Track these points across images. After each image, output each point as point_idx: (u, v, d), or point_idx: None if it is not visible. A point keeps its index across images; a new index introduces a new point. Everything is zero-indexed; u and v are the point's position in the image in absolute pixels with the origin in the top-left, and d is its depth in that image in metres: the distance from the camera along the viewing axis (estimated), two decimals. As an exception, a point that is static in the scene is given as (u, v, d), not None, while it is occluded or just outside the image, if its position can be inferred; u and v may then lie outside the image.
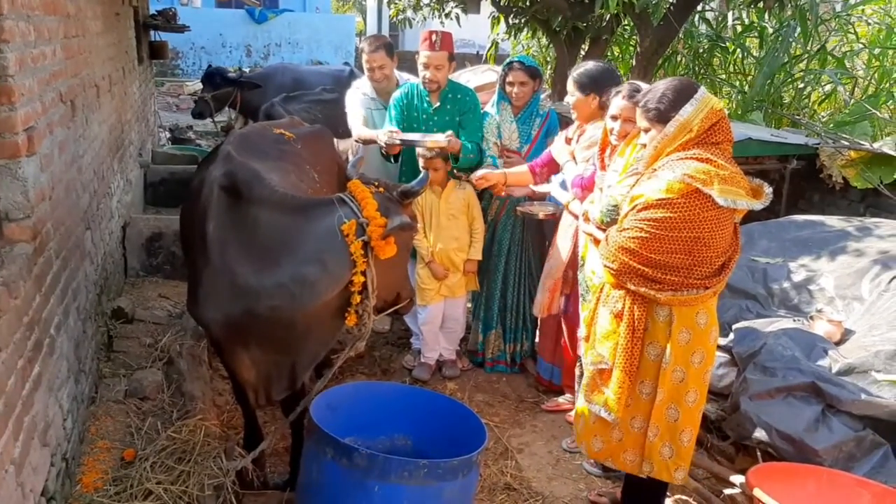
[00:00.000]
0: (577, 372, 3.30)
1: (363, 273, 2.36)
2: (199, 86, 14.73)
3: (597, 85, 3.25)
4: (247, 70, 7.89)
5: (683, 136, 2.31)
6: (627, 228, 2.36)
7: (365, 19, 27.79)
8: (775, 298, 3.67)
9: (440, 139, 3.45)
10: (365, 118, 4.02)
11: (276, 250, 2.33)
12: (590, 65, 3.37)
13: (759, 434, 2.77)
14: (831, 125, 5.38)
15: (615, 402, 2.45)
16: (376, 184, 2.56)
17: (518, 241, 3.85)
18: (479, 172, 3.49)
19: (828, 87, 7.21)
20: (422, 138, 3.52)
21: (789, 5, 5.52)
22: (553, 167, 3.54)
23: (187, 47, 17.35)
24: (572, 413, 3.42)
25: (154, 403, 3.22)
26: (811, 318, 3.42)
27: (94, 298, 3.49)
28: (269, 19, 18.35)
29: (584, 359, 3.01)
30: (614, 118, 2.88)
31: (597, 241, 2.86)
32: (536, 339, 3.99)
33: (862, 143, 4.63)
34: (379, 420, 2.74)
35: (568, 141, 3.46)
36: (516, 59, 3.77)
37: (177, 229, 4.78)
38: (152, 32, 7.63)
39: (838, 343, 3.21)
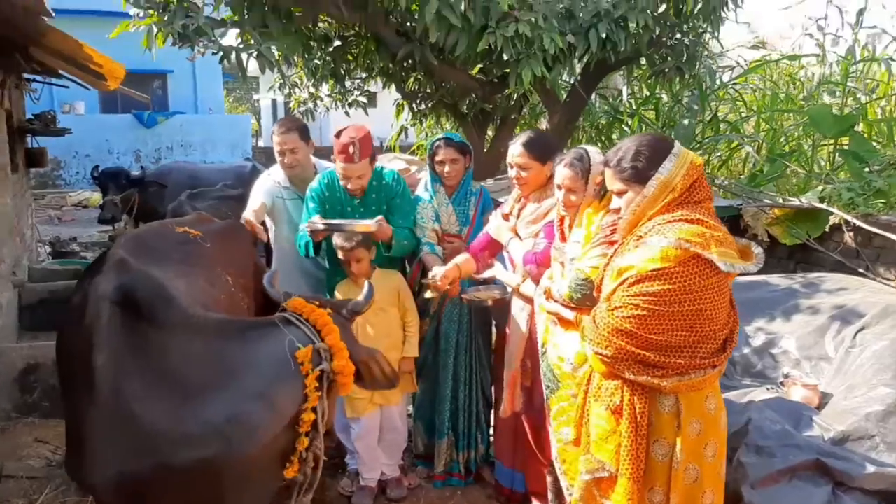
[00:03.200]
0: (549, 479, 2.87)
1: (313, 410, 1.91)
2: (86, 195, 13.94)
3: (552, 152, 3.01)
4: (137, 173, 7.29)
5: (666, 197, 2.07)
6: (620, 307, 2.04)
7: (259, 120, 27.63)
8: (737, 366, 3.45)
9: (369, 223, 3.07)
10: (270, 207, 3.59)
11: (202, 385, 1.86)
12: (533, 134, 3.13)
13: (771, 529, 2.43)
14: (747, 185, 5.44)
15: None
16: (318, 302, 2.17)
17: (466, 332, 3.46)
18: (437, 272, 3.07)
19: (720, 154, 7.50)
20: (348, 223, 3.13)
21: (688, 74, 5.66)
22: (494, 248, 3.23)
23: (70, 155, 16.40)
24: None
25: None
26: (782, 384, 3.20)
27: (-51, 458, 2.78)
28: (159, 122, 17.74)
29: (559, 465, 2.61)
30: (559, 188, 2.64)
31: (563, 321, 2.54)
32: (491, 441, 3.56)
33: (791, 199, 4.65)
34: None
35: (506, 217, 3.18)
36: (443, 136, 3.50)
37: (59, 356, 4.15)
38: (29, 138, 6.97)
39: (818, 408, 2.98)
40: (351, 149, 3.13)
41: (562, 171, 2.62)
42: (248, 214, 3.49)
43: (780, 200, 4.80)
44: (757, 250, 2.11)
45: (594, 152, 2.63)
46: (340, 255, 3.17)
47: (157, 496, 1.89)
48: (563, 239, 2.66)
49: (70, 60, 4.92)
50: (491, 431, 3.57)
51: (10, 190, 5.61)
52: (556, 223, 2.72)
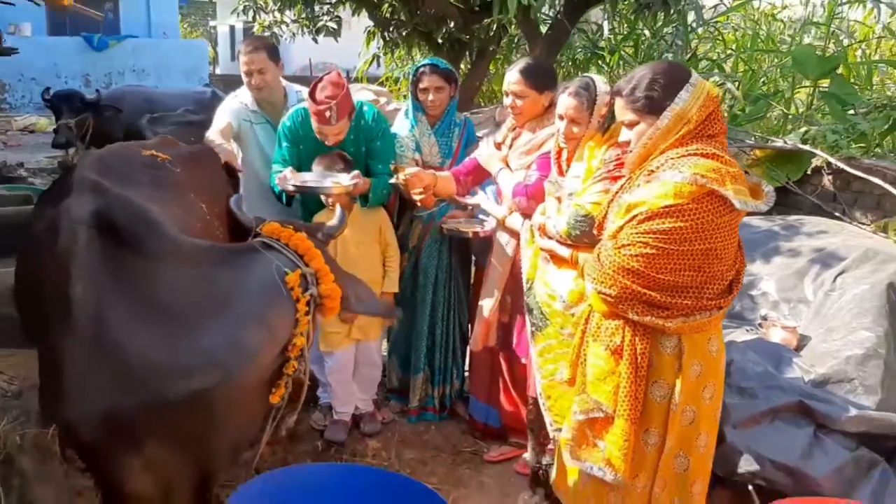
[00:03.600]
0: (528, 416, 2.82)
1: (302, 334, 1.88)
2: (32, 120, 13.23)
3: (551, 81, 2.85)
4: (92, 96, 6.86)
5: (680, 129, 1.93)
6: (627, 245, 1.92)
7: (215, 47, 26.46)
8: (719, 307, 3.42)
9: (346, 184, 2.86)
10: (237, 130, 3.37)
11: (195, 314, 1.76)
12: (531, 61, 2.93)
13: (751, 467, 2.42)
14: (728, 125, 5.37)
15: (620, 459, 1.99)
16: (293, 227, 2.07)
17: (445, 268, 3.34)
18: (411, 170, 2.93)
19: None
20: (322, 182, 2.90)
21: (673, 9, 5.49)
22: (479, 176, 3.08)
23: (15, 78, 15.49)
24: (524, 458, 2.96)
25: (-12, 522, 2.40)
26: (760, 325, 3.19)
27: None
28: (110, 46, 16.77)
29: (544, 401, 2.56)
30: (561, 118, 2.48)
31: (557, 258, 2.44)
32: (466, 377, 3.51)
33: (775, 140, 4.58)
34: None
35: (498, 146, 3.01)
36: (427, 62, 3.29)
37: (10, 284, 3.91)
38: (-30, 57, 6.48)
39: (797, 350, 2.98)
40: (328, 113, 2.87)
41: (565, 101, 2.45)
42: (213, 134, 3.28)
43: (762, 141, 4.74)
44: (767, 188, 2.01)
45: (600, 81, 2.47)
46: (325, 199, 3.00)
47: (144, 430, 1.78)
48: (561, 173, 2.53)
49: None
50: (466, 367, 3.51)
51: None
52: (553, 156, 2.57)
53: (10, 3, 6.61)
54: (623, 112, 2.03)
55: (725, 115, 6.48)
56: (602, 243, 2.06)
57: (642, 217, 1.89)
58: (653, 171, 1.94)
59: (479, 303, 3.04)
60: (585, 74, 2.61)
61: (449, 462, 3.16)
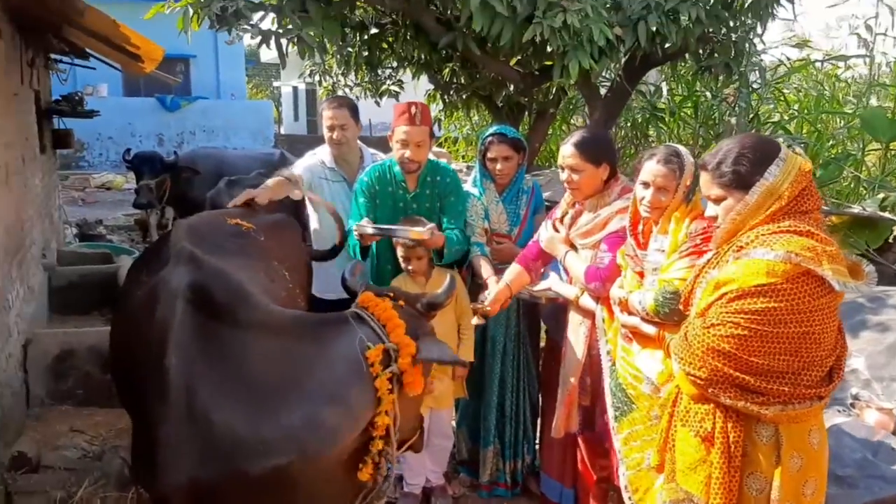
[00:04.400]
0: None
1: (387, 413, 1.82)
2: (109, 178, 13.89)
3: (608, 153, 2.80)
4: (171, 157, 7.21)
5: (771, 206, 1.88)
6: (717, 324, 1.86)
7: (279, 108, 27.50)
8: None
9: (422, 231, 2.89)
10: (309, 186, 3.45)
11: (278, 388, 1.75)
12: (586, 134, 2.88)
13: (858, 565, 2.28)
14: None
15: None
16: (391, 294, 2.04)
17: (513, 337, 3.31)
18: (490, 295, 2.90)
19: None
20: (401, 229, 2.96)
21: (735, 71, 5.46)
22: (546, 257, 3.02)
23: (93, 137, 16.36)
24: None
25: (71, 592, 2.43)
26: (852, 405, 3.04)
27: (-14, 451, 2.69)
28: (182, 107, 17.67)
29: (628, 494, 2.46)
30: (646, 185, 2.40)
31: (641, 337, 2.38)
32: (537, 450, 3.42)
33: (851, 207, 4.46)
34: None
35: (560, 221, 2.94)
36: (496, 131, 3.32)
37: (91, 344, 4.04)
38: (56, 119, 6.88)
39: (894, 434, 2.82)
40: (413, 109, 3.03)
41: (654, 168, 2.38)
42: (275, 182, 3.30)
43: (838, 208, 4.61)
44: (869, 268, 1.93)
45: (684, 151, 2.43)
46: (400, 252, 3.04)
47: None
48: (639, 244, 2.47)
49: (105, 41, 4.80)
50: (537, 441, 3.43)
51: (39, 171, 5.53)
52: (629, 227, 2.53)
53: (91, 68, 7.06)
54: (709, 186, 1.99)
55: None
56: (690, 322, 2.00)
57: (732, 296, 1.83)
58: (742, 246, 1.89)
59: (558, 387, 2.91)
60: (670, 143, 2.56)
61: (522, 541, 3.07)
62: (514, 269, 3.00)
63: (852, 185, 6.20)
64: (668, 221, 2.36)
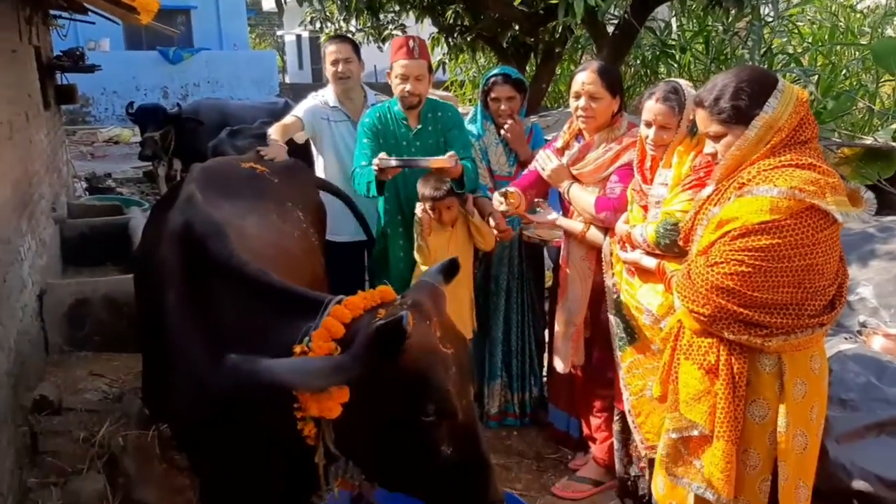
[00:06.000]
0: (615, 427, 2.77)
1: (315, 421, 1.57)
2: (116, 132, 13.88)
3: (621, 86, 2.74)
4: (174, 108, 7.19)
5: (771, 139, 1.85)
6: (720, 262, 1.85)
7: (282, 56, 27.13)
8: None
9: (445, 159, 2.85)
10: (312, 130, 3.44)
11: (227, 337, 1.68)
12: (601, 63, 2.83)
13: (858, 484, 2.33)
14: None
15: (722, 481, 1.91)
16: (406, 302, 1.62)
17: (517, 276, 3.33)
18: (512, 191, 2.79)
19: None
20: (423, 159, 2.92)
21: (746, 4, 5.31)
22: (541, 188, 2.98)
23: (98, 92, 16.32)
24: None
25: (98, 522, 2.53)
26: (859, 332, 3.06)
27: (8, 393, 2.78)
28: (184, 59, 17.50)
29: (633, 418, 2.52)
30: (648, 124, 2.39)
31: (642, 271, 2.39)
32: (545, 383, 3.49)
33: (863, 138, 4.39)
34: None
35: (560, 152, 2.89)
36: (499, 71, 3.28)
37: (106, 293, 4.12)
38: (59, 75, 6.84)
39: (899, 359, 2.84)
40: (410, 43, 3.02)
41: (654, 107, 2.36)
42: (275, 130, 3.28)
43: (850, 139, 4.55)
44: (867, 195, 1.91)
45: (686, 86, 2.39)
46: (428, 205, 3.00)
47: (222, 427, 1.79)
48: (645, 180, 2.45)
49: (101, -7, 4.71)
50: (544, 374, 3.49)
51: (44, 126, 5.52)
52: (637, 163, 2.50)
53: (91, 23, 6.98)
54: (707, 123, 1.94)
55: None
56: (692, 260, 1.99)
57: (736, 233, 1.82)
58: (744, 183, 1.86)
59: (560, 323, 2.93)
60: (670, 79, 2.52)
61: (533, 468, 3.15)
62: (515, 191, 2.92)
63: (866, 117, 6.08)
64: (672, 156, 2.35)
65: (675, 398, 2.05)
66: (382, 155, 2.91)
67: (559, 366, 2.94)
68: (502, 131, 3.08)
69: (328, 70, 3.45)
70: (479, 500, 1.60)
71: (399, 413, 1.52)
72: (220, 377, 1.56)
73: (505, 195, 2.78)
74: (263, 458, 1.82)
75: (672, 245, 2.21)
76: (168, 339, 1.84)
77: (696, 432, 1.98)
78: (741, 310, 1.84)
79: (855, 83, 6.61)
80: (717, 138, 1.94)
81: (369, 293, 1.67)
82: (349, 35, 7.74)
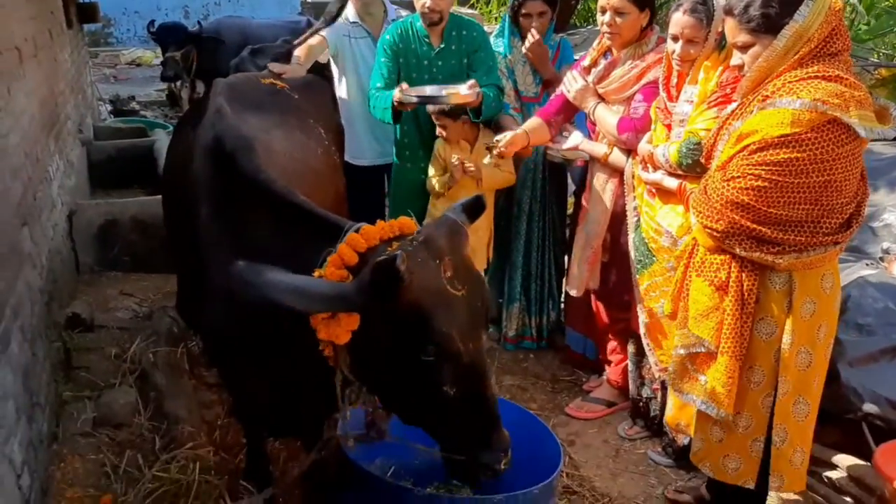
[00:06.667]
0: (630, 349, 2.81)
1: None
2: (139, 53, 13.77)
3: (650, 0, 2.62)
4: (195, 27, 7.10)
5: (800, 49, 1.79)
6: (738, 177, 1.83)
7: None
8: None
9: (464, 91, 2.77)
10: (335, 48, 3.34)
11: (255, 249, 1.70)
12: None
13: (868, 407, 2.35)
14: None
15: (724, 395, 1.96)
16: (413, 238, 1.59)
17: (539, 199, 3.32)
18: (506, 137, 2.79)
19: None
20: (440, 91, 2.84)
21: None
22: (570, 111, 2.92)
23: (119, 13, 16.03)
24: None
25: (131, 431, 2.67)
26: (882, 259, 3.01)
27: (42, 309, 2.88)
28: (205, -24, 17.07)
29: (647, 341, 2.55)
30: (675, 38, 2.30)
31: (663, 192, 2.37)
32: (563, 308, 3.53)
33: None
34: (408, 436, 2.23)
35: (587, 70, 2.79)
36: None
37: (134, 214, 4.20)
38: (79, -8, 6.75)
39: (922, 286, 2.81)
40: None
41: (681, 19, 2.27)
42: (299, 50, 3.21)
43: (887, 59, 4.35)
44: (895, 111, 1.85)
45: None
46: (438, 124, 2.98)
47: (248, 352, 1.88)
48: (671, 98, 2.38)
49: None
50: (562, 298, 3.52)
51: (67, 46, 5.49)
52: (662, 80, 2.43)
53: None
54: (736, 33, 1.88)
55: (849, 30, 5.95)
56: (710, 174, 1.97)
57: (755, 147, 1.79)
58: (768, 96, 1.81)
59: (577, 246, 2.93)
60: None
61: (548, 390, 3.23)
62: (534, 121, 2.92)
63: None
64: (699, 71, 2.27)
65: (685, 315, 2.07)
66: (404, 86, 2.85)
67: (573, 290, 2.96)
68: (524, 49, 2.99)
69: None
70: (481, 445, 1.61)
71: (401, 348, 1.52)
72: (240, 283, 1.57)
73: (489, 149, 2.78)
74: (290, 373, 1.88)
75: (695, 165, 2.17)
76: (200, 252, 1.87)
77: (702, 348, 2.01)
78: (755, 226, 1.83)
79: (900, 0, 6.25)
80: (744, 48, 1.88)
81: (389, 224, 1.65)
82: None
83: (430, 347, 1.49)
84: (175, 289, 3.45)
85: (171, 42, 6.61)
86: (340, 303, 1.49)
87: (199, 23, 7.32)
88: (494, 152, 2.79)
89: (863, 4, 6.18)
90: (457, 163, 3.00)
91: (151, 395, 2.86)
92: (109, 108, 8.19)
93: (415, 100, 2.83)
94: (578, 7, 7.91)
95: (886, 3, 6.32)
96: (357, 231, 1.62)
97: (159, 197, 4.26)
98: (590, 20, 8.81)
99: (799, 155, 1.74)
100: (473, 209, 1.69)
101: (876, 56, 4.43)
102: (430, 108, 2.98)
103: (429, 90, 2.89)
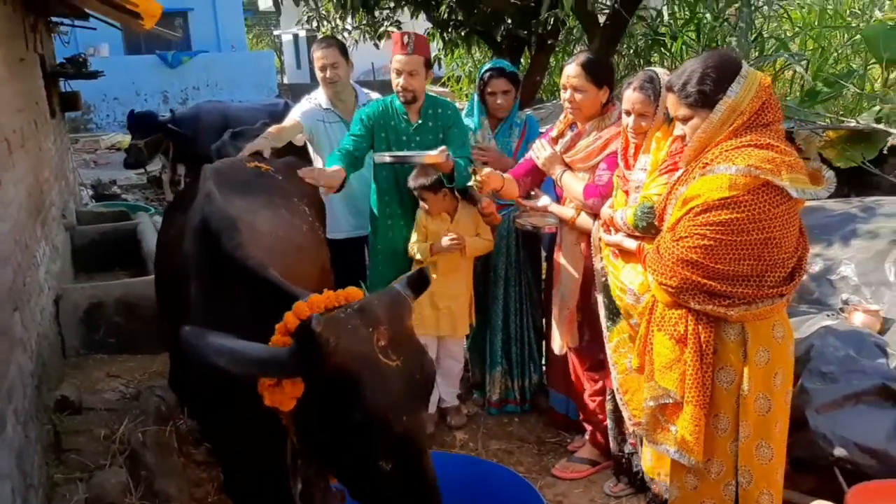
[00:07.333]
0: (608, 406, 2.90)
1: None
2: (118, 138, 14.02)
3: (609, 77, 2.85)
4: (167, 115, 7.36)
5: (734, 121, 1.99)
6: (685, 237, 2.00)
7: (280, 56, 27.20)
8: (795, 293, 3.42)
9: (436, 154, 2.97)
10: (310, 132, 3.55)
11: (231, 328, 1.69)
12: (591, 55, 2.94)
13: (838, 451, 2.46)
14: (797, 107, 5.27)
15: (692, 443, 2.08)
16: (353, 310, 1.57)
17: (514, 265, 3.47)
18: (487, 171, 2.93)
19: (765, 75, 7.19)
20: (416, 154, 3.05)
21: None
22: (536, 176, 3.12)
23: (99, 99, 16.43)
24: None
25: (122, 512, 2.68)
26: (842, 310, 3.18)
27: (33, 393, 2.92)
28: (183, 62, 17.60)
29: (620, 396, 2.66)
30: (628, 113, 2.52)
31: (625, 253, 2.53)
32: (544, 371, 3.62)
33: (847, 120, 4.50)
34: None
35: (555, 141, 3.00)
36: (493, 65, 3.43)
37: (119, 296, 4.27)
38: (62, 82, 6.98)
39: (880, 333, 2.97)
40: (405, 38, 3.12)
41: (631, 96, 2.49)
42: (273, 129, 3.36)
43: (834, 122, 4.66)
44: (828, 174, 2.04)
45: (662, 73, 2.51)
46: (421, 194, 3.16)
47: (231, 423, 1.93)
48: (628, 167, 2.58)
49: (105, 0, 4.85)
50: (543, 360, 3.62)
51: (51, 134, 5.66)
52: (621, 150, 2.63)
53: (92, 28, 7.09)
54: (676, 107, 2.08)
55: (796, 96, 6.34)
56: (661, 236, 2.14)
57: (699, 209, 1.96)
58: (707, 163, 2.00)
59: (554, 307, 3.07)
60: (648, 68, 2.65)
61: (534, 452, 3.29)
62: (507, 176, 3.05)
63: (856, 101, 6.18)
64: (651, 142, 2.47)
65: (651, 369, 2.20)
66: (378, 153, 3.06)
67: (555, 347, 3.09)
68: (473, 183, 3.01)
69: (318, 75, 3.57)
70: None
71: (332, 416, 1.51)
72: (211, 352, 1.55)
73: (474, 171, 2.93)
74: (266, 442, 1.90)
75: (649, 227, 2.34)
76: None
77: (669, 399, 2.13)
78: (705, 281, 1.99)
79: (844, 67, 6.71)
80: (685, 121, 2.08)
81: (336, 293, 1.64)
82: (346, 32, 7.91)
83: (357, 415, 1.46)
84: (161, 369, 3.52)
85: (136, 131, 6.83)
86: (273, 367, 1.50)
87: (171, 111, 7.57)
88: (477, 177, 2.91)
89: (810, 70, 6.63)
90: (449, 243, 3.16)
91: (142, 474, 2.87)
92: (91, 192, 8.32)
93: (388, 159, 3.02)
94: (544, 82, 8.33)
95: (833, 69, 6.78)
96: (305, 300, 1.64)
97: (143, 279, 4.39)
98: (556, 94, 9.25)
99: (738, 215, 1.91)
100: (418, 283, 1.69)
101: (828, 120, 4.73)
102: (411, 183, 3.15)
103: (404, 154, 3.09)
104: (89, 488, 2.76)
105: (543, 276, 3.58)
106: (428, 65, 3.23)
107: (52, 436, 3.09)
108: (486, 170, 2.94)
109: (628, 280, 2.53)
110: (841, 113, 5.64)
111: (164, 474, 2.90)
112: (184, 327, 1.56)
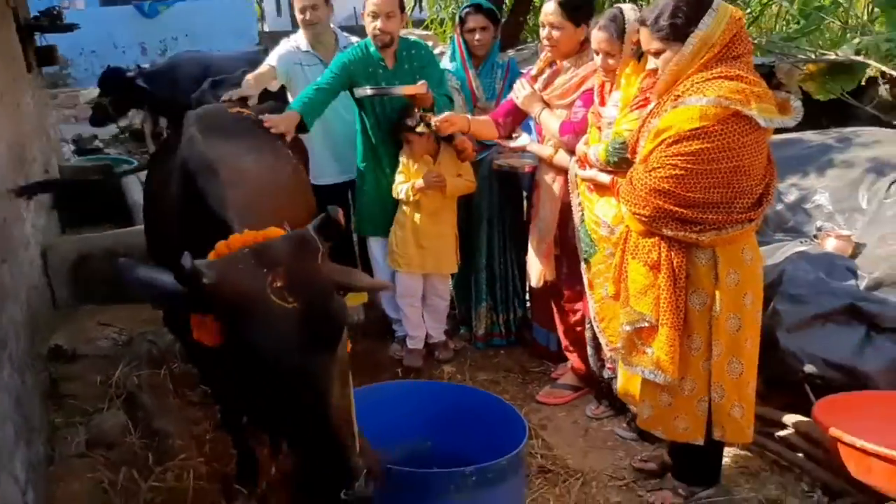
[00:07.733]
0: (587, 335, 3.00)
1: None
2: (96, 93, 13.77)
3: (588, 14, 2.85)
4: (147, 66, 7.23)
5: (705, 54, 2.03)
6: (657, 167, 2.07)
7: (261, 4, 26.51)
8: (770, 223, 3.51)
9: (416, 86, 3.00)
10: (286, 74, 3.53)
11: None
12: None
13: (808, 368, 2.58)
14: (780, 41, 5.26)
15: (668, 363, 2.18)
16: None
17: (496, 205, 3.53)
18: (443, 115, 3.02)
19: (751, 11, 7.14)
20: (395, 87, 3.08)
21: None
22: (518, 116, 3.14)
23: (76, 53, 15.98)
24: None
25: (123, 450, 2.78)
26: (816, 237, 3.26)
27: (27, 342, 2.98)
28: (160, 13, 17.13)
29: (598, 324, 2.75)
30: (596, 52, 2.56)
31: (599, 187, 2.59)
32: (528, 305, 3.72)
33: (826, 53, 4.51)
34: (392, 426, 2.38)
35: (534, 80, 3.03)
36: (472, 2, 3.41)
37: (107, 247, 4.30)
38: (38, 36, 6.82)
39: (852, 257, 3.06)
40: None
41: (596, 35, 2.52)
42: (247, 80, 3.35)
43: (815, 55, 4.66)
44: (796, 104, 2.10)
45: (628, 10, 2.53)
46: (405, 136, 3.20)
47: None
48: (603, 103, 2.61)
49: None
50: (527, 296, 3.71)
51: (28, 89, 5.58)
52: (597, 88, 2.66)
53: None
54: (649, 41, 2.12)
55: (782, 30, 6.31)
56: (634, 167, 2.20)
57: (670, 140, 2.02)
58: (678, 96, 2.05)
59: (532, 242, 3.15)
60: (616, 6, 2.66)
61: (519, 381, 3.41)
62: (481, 117, 3.13)
63: (840, 34, 6.16)
64: (621, 79, 2.51)
65: (626, 294, 2.29)
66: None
67: (532, 280, 3.17)
68: (422, 129, 3.11)
69: (297, 17, 3.54)
70: (337, 472, 1.53)
71: (232, 355, 1.54)
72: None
73: (428, 119, 2.99)
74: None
75: (621, 162, 2.40)
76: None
77: (645, 323, 2.22)
78: (677, 209, 2.06)
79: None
80: (657, 54, 2.12)
81: (254, 233, 1.64)
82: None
83: (245, 354, 1.48)
84: (151, 316, 3.57)
85: (109, 88, 6.75)
86: (174, 301, 1.54)
87: (138, 66, 7.47)
88: (431, 123, 2.98)
89: (796, 4, 6.57)
90: (429, 179, 3.20)
91: (140, 415, 2.97)
92: (73, 147, 8.24)
93: (369, 91, 3.05)
94: (528, 23, 8.22)
95: (816, 2, 6.72)
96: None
97: (131, 229, 4.40)
98: (537, 35, 9.14)
99: (708, 145, 1.97)
100: (324, 226, 1.65)
101: (808, 54, 4.73)
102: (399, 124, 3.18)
103: (383, 87, 3.12)
104: (89, 430, 2.86)
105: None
106: (402, 7, 3.20)
107: (48, 383, 3.17)
108: (440, 116, 2.98)
109: (602, 213, 2.60)
110: (825, 47, 5.62)
111: (162, 414, 3.00)
112: (118, 259, 1.60)
